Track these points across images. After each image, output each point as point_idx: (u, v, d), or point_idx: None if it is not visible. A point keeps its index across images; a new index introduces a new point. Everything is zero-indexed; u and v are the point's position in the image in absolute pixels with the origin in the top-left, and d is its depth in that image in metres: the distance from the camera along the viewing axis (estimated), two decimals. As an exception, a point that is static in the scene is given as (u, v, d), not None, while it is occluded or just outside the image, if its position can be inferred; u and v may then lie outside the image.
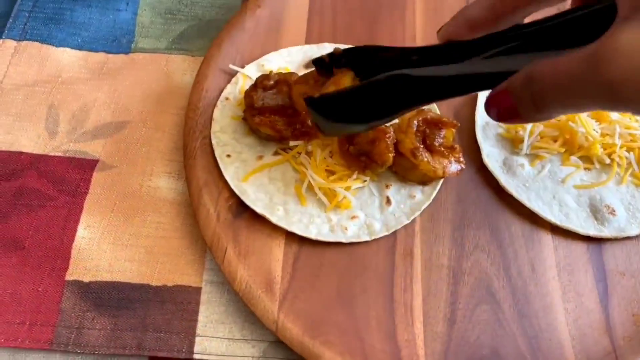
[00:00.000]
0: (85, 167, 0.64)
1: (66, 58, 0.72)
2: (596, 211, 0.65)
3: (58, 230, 0.60)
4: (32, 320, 0.55)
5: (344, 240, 0.60)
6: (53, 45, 0.72)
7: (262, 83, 0.63)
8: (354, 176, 0.62)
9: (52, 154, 0.64)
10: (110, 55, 0.73)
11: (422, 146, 0.62)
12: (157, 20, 0.76)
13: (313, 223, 0.61)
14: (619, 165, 0.67)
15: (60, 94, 0.69)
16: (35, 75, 0.70)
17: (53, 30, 0.73)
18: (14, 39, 0.72)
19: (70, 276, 0.58)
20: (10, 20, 0.73)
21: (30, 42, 0.72)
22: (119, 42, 0.74)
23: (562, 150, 0.68)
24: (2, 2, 0.75)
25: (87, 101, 0.69)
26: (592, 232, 0.64)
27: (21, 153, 0.64)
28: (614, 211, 0.64)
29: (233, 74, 0.70)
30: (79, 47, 0.73)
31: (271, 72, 0.65)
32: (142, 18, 0.76)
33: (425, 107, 0.66)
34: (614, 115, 0.68)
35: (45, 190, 0.62)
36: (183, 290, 0.58)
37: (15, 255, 0.58)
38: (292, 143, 0.63)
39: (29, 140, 0.65)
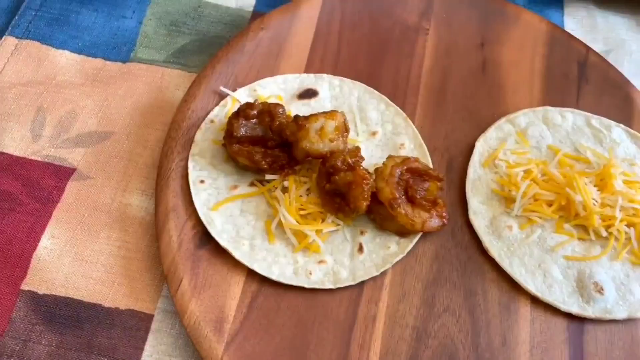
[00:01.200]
0: (61, 174, 0.63)
1: (64, 60, 0.72)
2: (583, 287, 0.60)
3: (22, 237, 0.59)
4: (-19, 326, 0.55)
5: (306, 285, 0.58)
6: (53, 47, 0.72)
7: (244, 112, 0.61)
8: (329, 219, 0.60)
9: (31, 157, 0.64)
10: (107, 62, 0.72)
11: (402, 197, 0.59)
12: (160, 31, 0.76)
13: (277, 263, 0.58)
14: (616, 239, 0.63)
15: (51, 96, 0.69)
16: (31, 75, 0.70)
17: (56, 31, 0.74)
18: (17, 37, 0.72)
19: (25, 285, 0.57)
20: (16, 17, 0.74)
21: (32, 41, 0.72)
22: (119, 50, 0.73)
23: (557, 216, 0.63)
24: (12, -2, 0.76)
25: (75, 107, 0.68)
26: (574, 309, 0.59)
27: (2, 153, 0.64)
28: (602, 289, 0.60)
29: (224, 95, 0.68)
30: (78, 51, 0.73)
31: (257, 100, 0.63)
32: (147, 27, 0.76)
33: (414, 156, 0.63)
34: (619, 185, 0.64)
35: (18, 194, 0.62)
36: (134, 316, 0.57)
37: (-24, 258, 0.58)
38: (268, 176, 0.61)
39: (12, 140, 0.65)
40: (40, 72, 0.70)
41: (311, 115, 0.60)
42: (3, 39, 0.72)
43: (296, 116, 0.60)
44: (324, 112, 0.60)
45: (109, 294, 0.57)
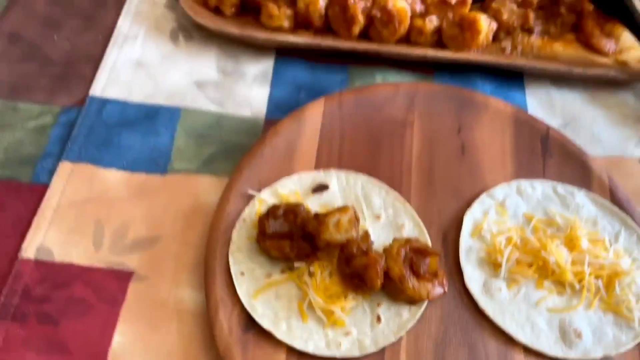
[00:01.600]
0: (122, 278, 0.76)
1: (112, 178, 0.85)
2: (565, 334, 0.73)
3: (98, 336, 0.71)
4: (72, 416, 0.66)
5: (337, 356, 0.69)
6: (102, 166, 0.86)
7: (273, 213, 0.75)
8: (350, 296, 0.73)
9: (96, 265, 0.77)
10: (149, 176, 0.86)
11: (409, 272, 0.72)
12: (190, 144, 0.90)
13: (311, 338, 0.70)
14: (588, 290, 0.75)
15: (106, 210, 0.82)
16: (86, 193, 0.83)
17: (103, 153, 0.87)
18: (71, 161, 0.86)
19: (105, 379, 0.69)
20: (69, 144, 0.87)
21: (84, 164, 0.86)
22: (157, 163, 0.87)
23: (536, 275, 0.76)
24: (63, 126, 0.90)
25: (127, 218, 0.81)
26: (560, 354, 0.71)
27: (71, 265, 0.76)
28: (581, 335, 0.72)
29: (251, 196, 0.81)
30: (124, 168, 0.86)
31: (281, 203, 0.77)
32: (178, 142, 0.90)
33: (414, 237, 0.77)
34: (585, 244, 0.77)
35: (89, 299, 0.74)
36: (198, 395, 0.68)
37: (62, 357, 0.69)
38: (296, 264, 0.74)
39: (78, 252, 0.78)
40: (94, 189, 0.83)
41: (328, 212, 0.73)
42: (60, 164, 0.85)
43: (316, 214, 0.74)
44: (338, 208, 0.74)
45: (175, 379, 0.69)
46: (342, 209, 0.74)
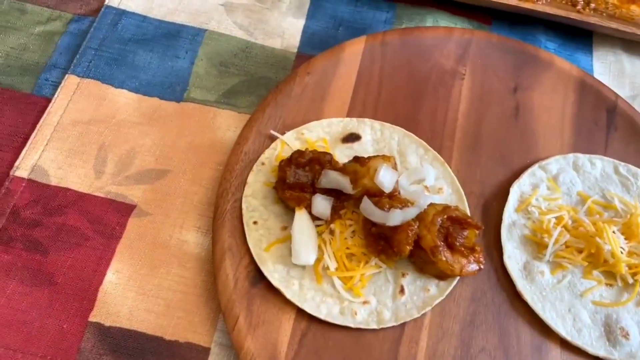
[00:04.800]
0: (123, 211, 0.68)
1: (122, 100, 0.76)
2: (610, 332, 0.64)
3: (89, 271, 0.64)
4: (54, 355, 0.60)
5: (351, 325, 0.62)
6: (112, 86, 0.77)
7: (296, 160, 0.66)
8: (372, 262, 0.64)
9: (95, 193, 0.69)
10: (162, 102, 0.77)
11: (443, 244, 0.63)
12: (211, 72, 0.80)
13: (325, 302, 0.63)
14: (642, 286, 0.66)
15: (112, 135, 0.73)
16: (92, 113, 0.75)
17: (115, 71, 0.78)
18: (78, 76, 0.77)
19: (93, 318, 0.62)
20: (77, 57, 0.78)
21: (93, 80, 0.77)
22: (173, 90, 0.78)
23: (586, 263, 0.67)
24: (73, 36, 0.81)
25: (134, 145, 0.73)
26: (602, 353, 0.63)
27: (68, 189, 0.69)
28: (628, 335, 0.64)
29: (273, 138, 0.72)
30: (136, 90, 0.77)
31: (307, 149, 0.67)
32: (198, 68, 0.80)
33: (453, 204, 0.68)
34: (645, 235, 0.67)
35: (84, 229, 0.66)
36: (193, 348, 0.61)
37: (48, 290, 0.63)
38: (316, 222, 0.65)
39: (77, 177, 0.70)
40: (101, 110, 0.75)
41: (370, 157, 0.65)
42: (66, 77, 0.76)
43: (356, 156, 0.65)
44: (381, 155, 0.65)
45: (169, 328, 0.62)
46: (385, 157, 0.65)
